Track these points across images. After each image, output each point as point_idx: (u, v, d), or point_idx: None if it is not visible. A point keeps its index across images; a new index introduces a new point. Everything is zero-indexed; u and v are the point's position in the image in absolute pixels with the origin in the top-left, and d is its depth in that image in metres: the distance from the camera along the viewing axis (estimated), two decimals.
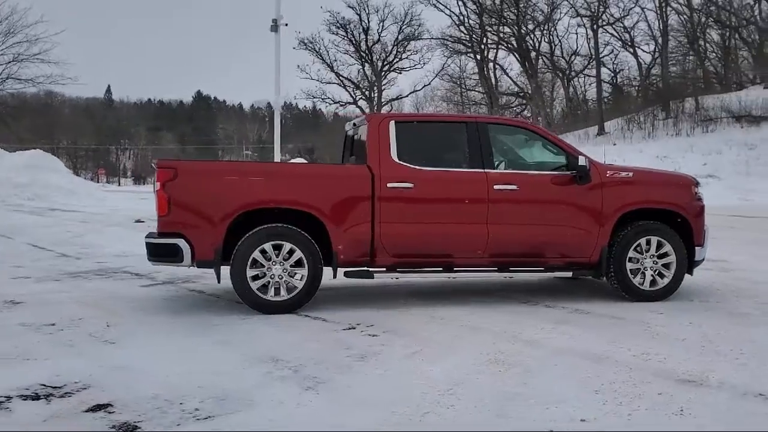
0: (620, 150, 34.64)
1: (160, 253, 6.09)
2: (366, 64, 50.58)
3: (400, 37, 49.32)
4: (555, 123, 43.54)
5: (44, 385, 4.08)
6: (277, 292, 6.11)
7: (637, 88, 51.32)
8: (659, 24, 44.06)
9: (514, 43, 44.87)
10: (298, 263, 6.12)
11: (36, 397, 3.89)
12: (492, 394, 3.98)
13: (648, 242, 6.68)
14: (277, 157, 22.06)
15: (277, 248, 6.08)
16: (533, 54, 46.22)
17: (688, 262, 6.78)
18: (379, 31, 49.80)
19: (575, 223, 6.55)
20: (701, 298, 6.89)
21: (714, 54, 49.95)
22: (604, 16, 44.10)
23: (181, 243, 5.96)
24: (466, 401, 3.85)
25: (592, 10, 42.81)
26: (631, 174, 6.78)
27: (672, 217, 6.78)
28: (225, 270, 6.39)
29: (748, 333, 5.48)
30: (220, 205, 6.01)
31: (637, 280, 6.68)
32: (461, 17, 45.96)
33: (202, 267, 6.23)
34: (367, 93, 51.29)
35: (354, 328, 5.61)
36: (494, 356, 4.76)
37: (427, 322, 5.84)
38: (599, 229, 6.57)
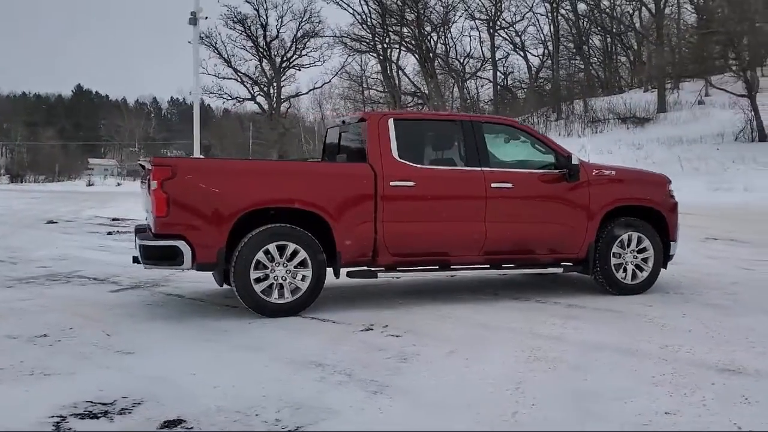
0: None
1: (158, 256, 5.73)
2: (264, 60, 49.77)
3: (299, 34, 48.91)
4: None
5: (92, 402, 3.75)
6: (280, 294, 5.91)
7: (525, 90, 53.38)
8: (551, 28, 46.05)
9: (414, 43, 45.52)
10: (302, 264, 5.94)
11: (93, 416, 3.57)
12: (560, 391, 4.02)
13: (629, 238, 6.96)
14: (197, 155, 21.27)
15: (281, 249, 5.88)
16: (431, 55, 47.07)
17: (663, 257, 7.12)
18: (278, 27, 49.23)
19: (566, 220, 6.73)
20: (674, 290, 7.24)
21: (596, 59, 52.70)
22: (499, 21, 45.61)
23: (182, 245, 5.64)
24: (542, 399, 3.86)
25: (489, 13, 44.13)
26: (613, 172, 7.04)
27: (650, 213, 7.09)
28: (198, 274, 6.17)
29: (740, 322, 5.77)
30: (223, 205, 5.73)
31: (620, 275, 6.94)
32: (363, 16, 46.17)
33: (203, 270, 5.93)
34: (265, 89, 50.51)
35: (371, 330, 5.51)
36: (531, 353, 4.80)
37: (439, 321, 5.82)
38: (587, 225, 6.78)
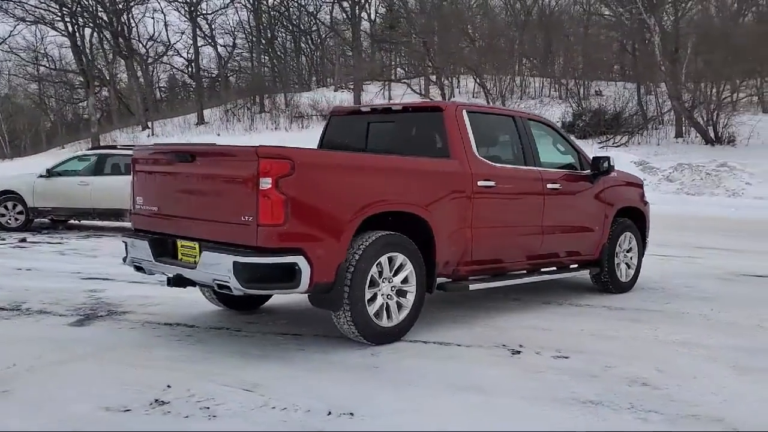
0: (225, 141, 34.84)
1: (269, 277, 4.25)
2: None
3: None
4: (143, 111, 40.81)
5: None
6: (388, 316, 4.86)
7: (217, 80, 52.03)
8: (249, 18, 45.49)
9: (105, 20, 41.21)
10: (406, 279, 4.96)
11: None
12: None
13: (624, 238, 7.16)
14: None
15: (390, 262, 4.84)
16: (122, 35, 43.11)
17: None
18: None
19: (593, 221, 6.67)
20: (649, 286, 7.43)
21: (281, 54, 53.52)
22: (198, 8, 43.67)
23: (301, 261, 4.28)
24: None
25: None
26: (616, 174, 7.15)
27: (634, 213, 7.36)
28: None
29: None
30: (346, 208, 4.51)
31: (618, 274, 7.10)
32: None
33: (320, 292, 4.53)
34: None
35: (520, 351, 4.84)
36: (726, 364, 4.62)
37: (544, 335, 5.32)
38: (604, 226, 6.81)
